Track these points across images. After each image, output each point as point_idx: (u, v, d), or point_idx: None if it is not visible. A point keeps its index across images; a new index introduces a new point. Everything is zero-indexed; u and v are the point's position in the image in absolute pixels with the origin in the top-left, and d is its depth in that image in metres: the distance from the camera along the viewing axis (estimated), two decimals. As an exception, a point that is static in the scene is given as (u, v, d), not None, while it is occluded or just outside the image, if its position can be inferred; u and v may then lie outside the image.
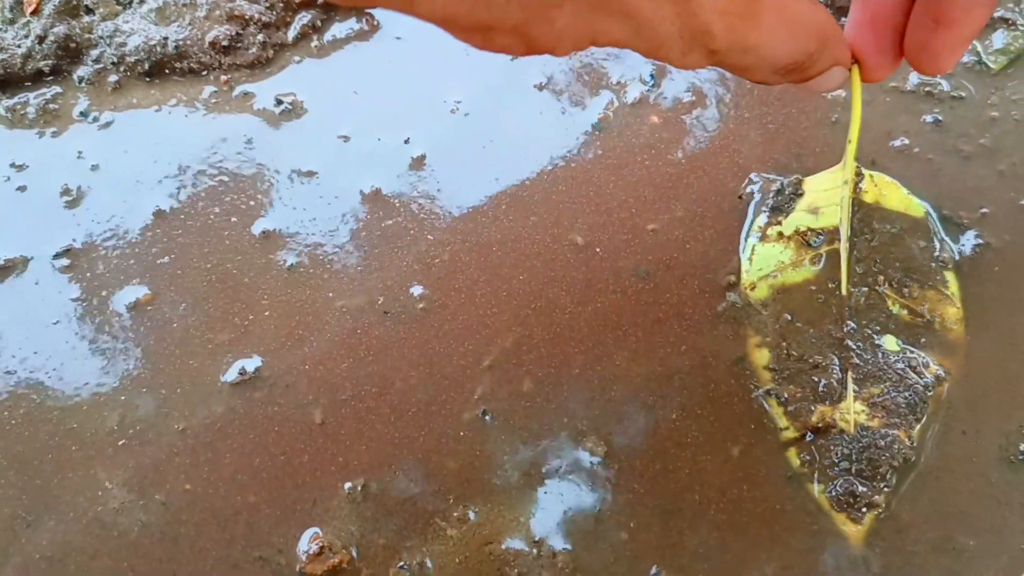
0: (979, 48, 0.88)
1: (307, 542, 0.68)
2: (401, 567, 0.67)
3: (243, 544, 0.68)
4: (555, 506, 0.70)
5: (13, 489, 0.69)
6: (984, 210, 0.80)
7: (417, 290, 0.77)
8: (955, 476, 0.69)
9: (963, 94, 0.86)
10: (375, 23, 0.90)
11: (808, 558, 0.67)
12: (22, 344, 0.75)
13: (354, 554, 0.67)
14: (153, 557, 0.68)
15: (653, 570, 0.67)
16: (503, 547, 0.68)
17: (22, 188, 0.81)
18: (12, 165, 0.81)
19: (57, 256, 0.77)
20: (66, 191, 0.80)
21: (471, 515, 0.69)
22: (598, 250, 0.79)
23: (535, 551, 0.68)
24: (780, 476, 0.70)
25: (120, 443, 0.70)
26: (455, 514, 0.69)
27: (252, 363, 0.73)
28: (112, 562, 0.67)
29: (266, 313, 0.76)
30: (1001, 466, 0.70)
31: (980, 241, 0.79)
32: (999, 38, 0.88)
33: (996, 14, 0.90)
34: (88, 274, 0.77)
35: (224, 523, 0.69)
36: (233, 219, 0.79)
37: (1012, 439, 0.70)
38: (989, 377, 0.73)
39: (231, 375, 0.73)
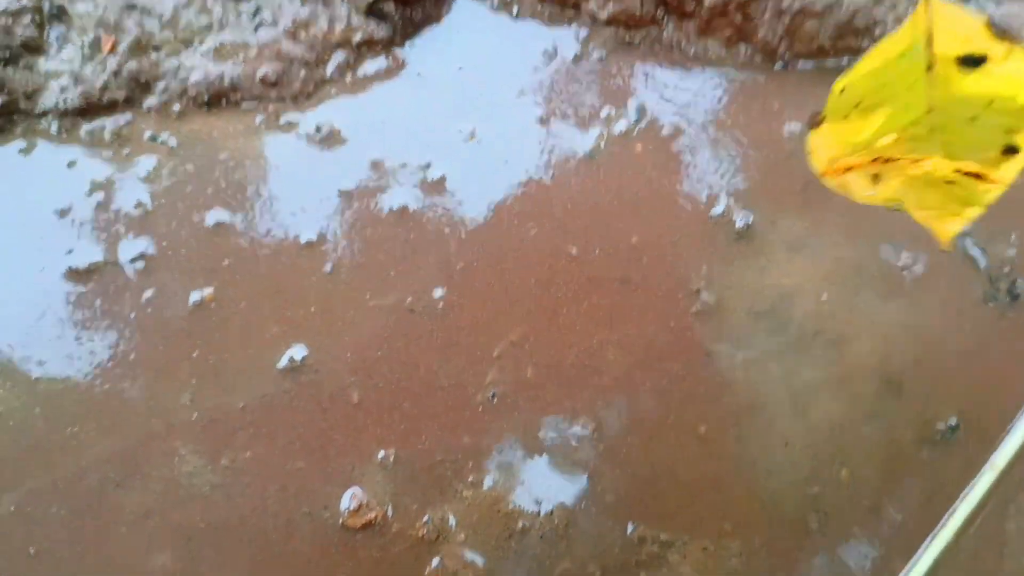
0: None
1: (347, 500, 0.82)
2: (426, 522, 0.81)
3: (294, 501, 0.82)
4: (553, 473, 0.84)
5: (103, 456, 0.83)
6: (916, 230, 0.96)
7: (438, 292, 0.91)
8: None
9: None
10: (400, 61, 1.04)
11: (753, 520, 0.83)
12: (107, 336, 0.88)
13: (388, 511, 0.82)
14: (220, 513, 0.82)
15: (631, 527, 0.82)
16: (510, 507, 0.83)
17: (101, 202, 0.94)
18: (92, 182, 0.95)
19: (133, 260, 0.91)
20: (139, 204, 0.94)
21: (483, 480, 0.83)
22: (589, 259, 0.94)
23: (536, 510, 0.82)
24: (738, 455, 0.85)
25: (193, 417, 0.84)
26: (470, 479, 0.83)
27: (300, 352, 0.88)
28: (186, 517, 0.81)
29: (312, 309, 0.90)
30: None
31: (910, 258, 0.94)
32: (933, 82, 1.03)
33: (931, 61, 1.05)
34: (161, 276, 0.91)
35: (278, 484, 0.83)
36: (282, 230, 0.93)
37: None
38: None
39: (283, 362, 0.87)
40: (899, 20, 1.02)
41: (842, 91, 0.69)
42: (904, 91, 0.63)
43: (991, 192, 0.65)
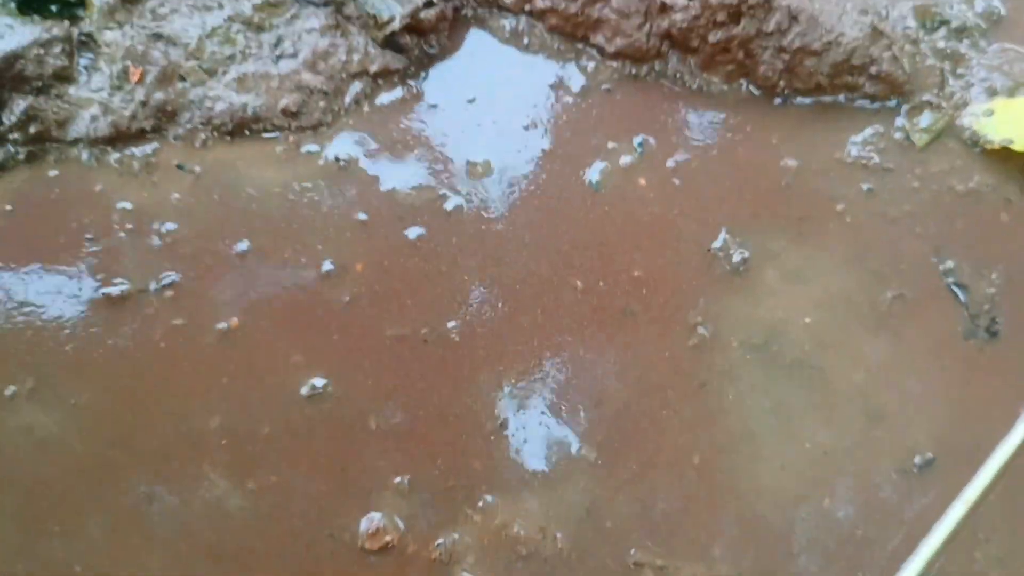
0: (907, 126, 1.07)
1: (366, 523, 0.89)
2: (439, 545, 0.88)
3: (316, 524, 0.89)
4: (556, 499, 0.90)
5: (137, 479, 0.89)
6: (902, 266, 1.01)
7: (451, 323, 0.97)
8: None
9: (892, 167, 1.06)
10: (416, 92, 1.08)
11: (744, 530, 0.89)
12: (138, 362, 0.94)
13: (403, 534, 0.88)
14: (246, 534, 0.88)
15: (632, 551, 0.88)
16: (516, 531, 0.89)
17: (131, 229, 0.99)
18: (122, 209, 0.99)
19: (163, 289, 0.96)
20: (167, 232, 0.99)
21: (492, 505, 0.90)
22: (594, 291, 0.99)
23: (540, 535, 0.89)
24: (732, 479, 0.91)
25: (222, 442, 0.90)
26: (479, 504, 0.90)
27: (321, 380, 0.93)
28: (215, 538, 0.88)
29: (333, 338, 0.95)
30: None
31: (896, 293, 0.99)
32: (925, 118, 1.08)
33: (924, 97, 1.09)
34: (189, 304, 0.96)
35: (301, 507, 0.89)
36: (303, 259, 0.98)
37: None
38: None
39: (305, 389, 0.93)
40: (895, 59, 1.06)
41: None
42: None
43: None
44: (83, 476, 0.89)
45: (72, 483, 0.89)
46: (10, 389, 0.91)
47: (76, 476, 0.89)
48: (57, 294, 0.96)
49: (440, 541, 0.89)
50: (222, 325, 0.95)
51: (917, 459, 0.93)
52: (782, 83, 1.08)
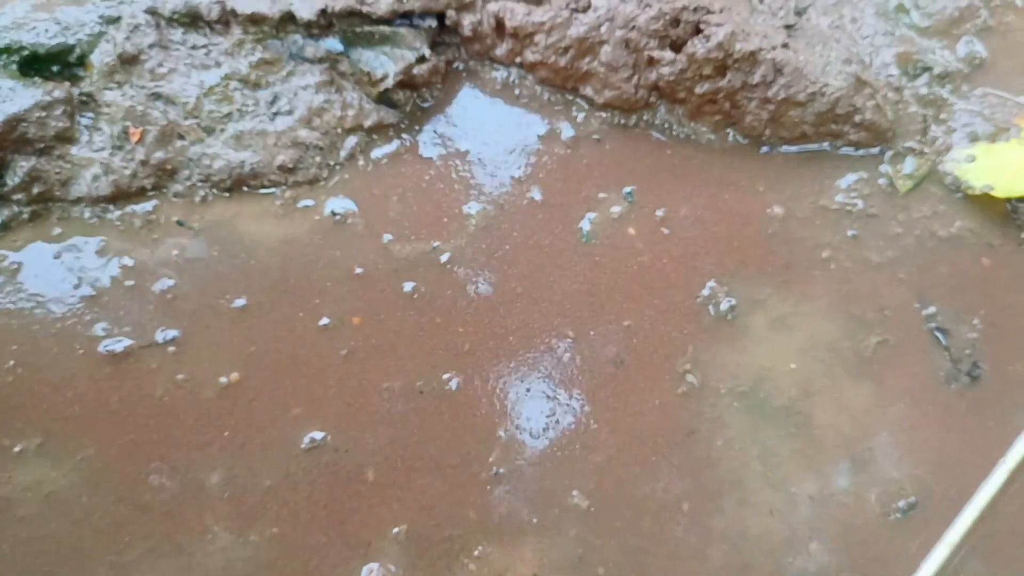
0: (891, 172, 1.10)
1: (365, 574, 0.91)
2: (436, 593, 0.91)
3: (317, 575, 0.91)
4: (548, 548, 0.93)
5: (143, 531, 0.91)
6: (886, 311, 1.04)
7: (447, 374, 0.99)
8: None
9: (876, 212, 1.09)
10: (409, 146, 1.11)
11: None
12: (142, 417, 0.96)
13: (401, 583, 0.91)
14: (250, 584, 0.91)
15: (622, 598, 0.91)
16: (512, 579, 0.92)
17: (132, 285, 1.01)
18: (123, 267, 1.02)
19: (165, 344, 0.99)
20: (168, 289, 1.01)
21: (487, 554, 0.92)
22: (584, 342, 1.02)
23: (535, 582, 0.92)
24: (721, 526, 0.94)
25: (225, 495, 0.93)
26: (475, 553, 0.92)
27: (320, 434, 0.96)
28: (219, 587, 0.91)
29: (331, 391, 0.98)
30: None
31: (880, 338, 1.02)
32: (908, 164, 1.10)
33: (907, 144, 1.11)
34: (190, 359, 0.99)
35: (302, 558, 0.91)
36: (300, 314, 1.01)
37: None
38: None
39: (304, 442, 0.95)
40: (878, 107, 1.09)
41: None
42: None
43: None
44: (90, 530, 0.92)
45: (80, 537, 0.91)
46: (19, 446, 0.94)
47: (84, 529, 0.92)
48: (61, 351, 0.99)
49: (437, 591, 0.92)
50: (223, 380, 0.98)
51: (901, 503, 0.95)
52: (768, 132, 1.11)
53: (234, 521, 0.94)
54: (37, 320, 1.00)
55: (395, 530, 0.94)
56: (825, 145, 1.12)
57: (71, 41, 1.07)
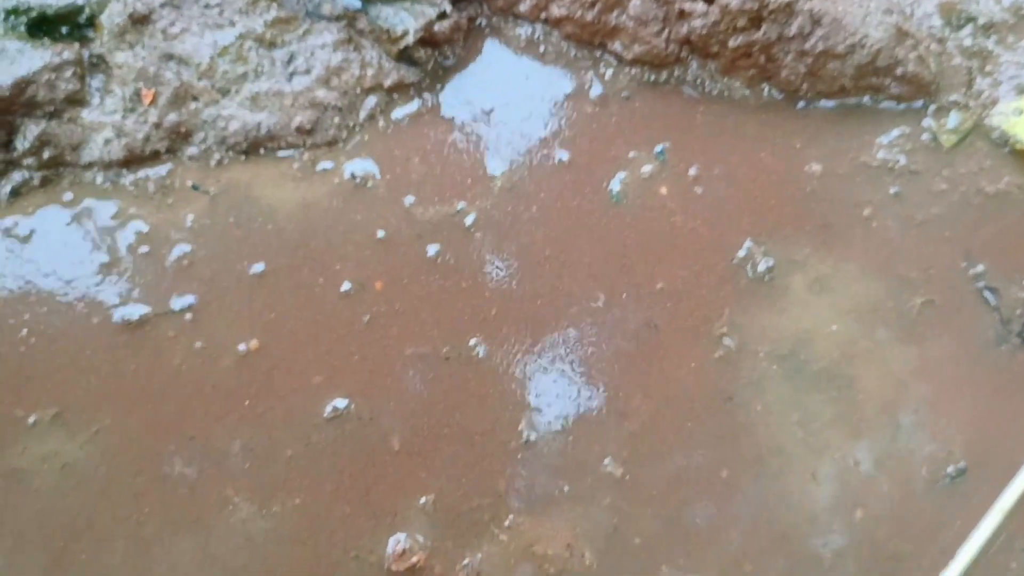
0: (934, 127, 1.05)
1: (392, 544, 0.88)
2: (465, 565, 0.87)
3: (342, 546, 0.88)
4: (581, 518, 0.89)
5: (162, 504, 0.89)
6: (931, 271, 0.99)
7: (473, 340, 0.96)
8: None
9: (919, 169, 1.04)
10: (430, 106, 1.07)
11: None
12: (160, 386, 0.93)
13: (429, 554, 0.87)
14: (271, 558, 0.87)
15: (662, 567, 0.87)
16: (543, 549, 0.88)
17: (147, 252, 0.98)
18: (138, 233, 0.99)
19: (182, 312, 0.95)
20: (184, 255, 0.98)
21: (518, 524, 0.89)
22: (616, 306, 0.98)
23: (568, 552, 0.88)
24: (761, 493, 0.90)
25: (245, 466, 0.90)
26: (505, 523, 0.89)
27: (343, 402, 0.92)
28: (241, 562, 0.87)
29: (353, 359, 0.94)
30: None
31: (925, 299, 0.98)
32: (953, 118, 1.06)
33: (951, 97, 1.07)
34: (208, 327, 0.95)
35: (326, 529, 0.88)
36: (321, 279, 0.97)
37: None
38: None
39: (327, 411, 0.92)
40: (921, 59, 1.04)
41: None
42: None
43: None
44: (108, 502, 0.89)
45: (98, 510, 0.89)
46: (33, 417, 0.91)
47: (101, 502, 0.89)
48: (76, 320, 0.96)
49: (466, 561, 0.88)
50: (242, 347, 0.95)
51: (950, 468, 0.91)
52: (805, 86, 1.06)
53: (255, 492, 0.90)
54: (50, 288, 0.97)
55: (422, 500, 0.90)
56: (865, 99, 1.08)
57: (80, 1, 1.04)
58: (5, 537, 0.87)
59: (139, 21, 1.03)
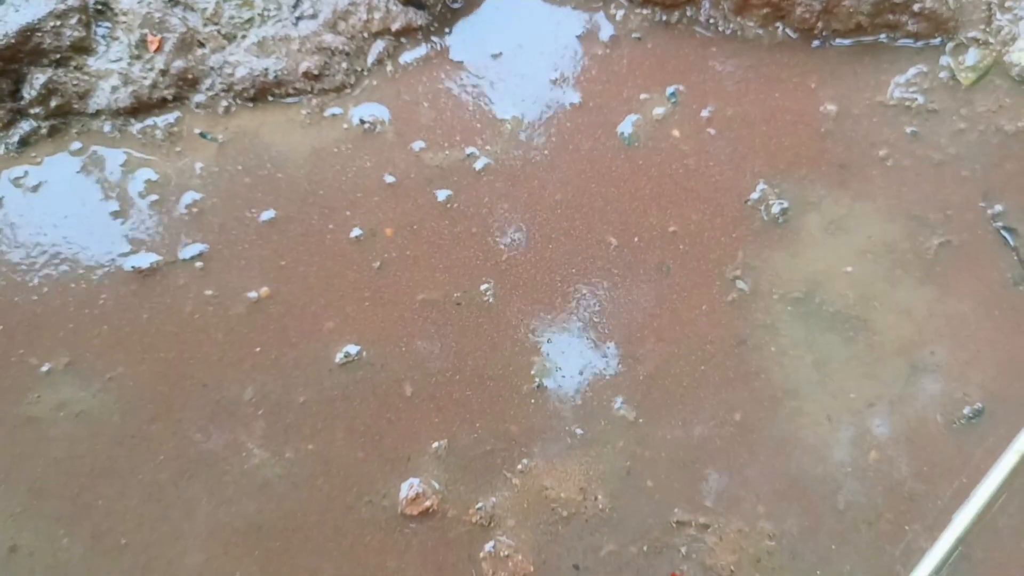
0: (952, 64, 1.03)
1: (406, 489, 0.88)
2: (479, 508, 0.87)
3: (355, 490, 0.88)
4: (595, 461, 0.89)
5: (176, 451, 0.89)
6: (948, 211, 0.98)
7: (484, 285, 0.95)
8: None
9: (937, 107, 1.02)
10: (440, 49, 1.05)
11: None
12: (171, 334, 0.93)
13: (442, 498, 0.88)
14: (285, 503, 0.88)
15: (675, 510, 0.87)
16: (556, 493, 0.88)
17: (157, 200, 0.98)
18: (147, 181, 0.99)
19: (192, 260, 0.95)
20: (193, 203, 0.98)
21: (531, 468, 0.89)
22: (628, 249, 0.97)
23: (581, 496, 0.88)
24: (775, 436, 0.89)
25: (259, 412, 0.90)
26: (518, 467, 0.89)
27: (354, 348, 0.92)
28: (255, 507, 0.88)
29: (364, 304, 0.94)
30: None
31: (942, 239, 0.96)
32: (971, 56, 1.03)
33: (970, 34, 1.04)
34: (219, 274, 0.95)
35: (340, 475, 0.89)
36: (331, 225, 0.97)
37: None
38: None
39: (338, 357, 0.92)
40: (938, -6, 1.02)
41: None
42: None
43: None
44: (123, 449, 0.89)
45: (112, 456, 0.89)
46: (46, 365, 0.91)
47: (116, 449, 0.89)
48: (87, 268, 0.96)
49: (480, 505, 0.88)
50: (252, 295, 0.95)
51: (966, 409, 0.90)
52: (820, 25, 1.04)
53: (268, 438, 0.91)
54: (61, 237, 0.97)
55: (435, 445, 0.90)
56: (881, 37, 1.05)
57: (84, -53, 1.03)
58: (23, 485, 0.88)
59: (144, -34, 1.02)
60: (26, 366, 0.91)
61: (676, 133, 1.02)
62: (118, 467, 0.89)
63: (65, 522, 0.87)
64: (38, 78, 0.98)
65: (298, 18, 1.02)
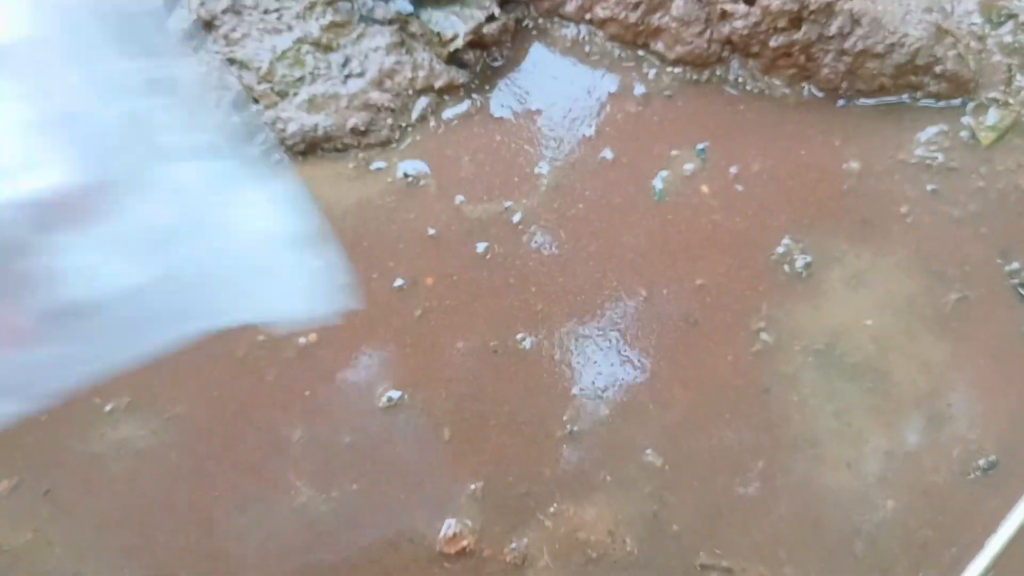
0: (973, 124, 1.07)
1: (444, 529, 0.93)
2: (513, 548, 0.92)
3: (397, 529, 0.94)
4: (623, 504, 0.94)
5: (230, 487, 0.95)
6: (966, 267, 1.02)
7: (520, 334, 1.00)
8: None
9: (957, 166, 1.06)
10: (479, 106, 1.11)
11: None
12: (226, 379, 0.99)
13: (478, 538, 0.93)
14: (331, 539, 0.93)
15: (699, 554, 0.92)
16: (587, 535, 0.93)
17: (213, 249, 1.03)
18: (204, 230, 1.04)
19: (245, 306, 1.01)
20: (247, 252, 1.03)
21: (562, 510, 0.94)
22: (657, 301, 1.02)
23: (610, 538, 0.93)
24: (796, 482, 0.94)
25: (306, 453, 0.95)
26: (551, 510, 0.94)
27: (397, 393, 0.98)
28: (302, 541, 0.93)
29: (407, 351, 0.99)
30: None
31: (960, 295, 1.00)
32: (992, 116, 1.07)
33: (990, 94, 1.08)
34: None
35: (383, 514, 0.94)
36: (375, 275, 1.03)
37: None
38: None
39: (382, 402, 0.98)
40: (960, 57, 1.06)
41: None
42: None
43: None
44: (180, 485, 0.95)
45: (171, 492, 0.95)
46: (109, 405, 0.97)
47: (174, 485, 0.95)
48: (148, 314, 1.01)
49: (514, 545, 0.93)
50: (302, 340, 1.00)
51: (981, 461, 0.94)
52: (844, 85, 1.08)
53: (316, 477, 0.96)
54: (123, 283, 1.03)
55: (472, 487, 0.95)
56: (904, 97, 1.10)
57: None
58: (88, 518, 0.94)
59: (204, 27, 1.08)
60: (92, 405, 0.98)
61: (705, 189, 1.07)
62: (175, 502, 0.95)
63: (127, 554, 0.93)
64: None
65: (346, 76, 1.08)
